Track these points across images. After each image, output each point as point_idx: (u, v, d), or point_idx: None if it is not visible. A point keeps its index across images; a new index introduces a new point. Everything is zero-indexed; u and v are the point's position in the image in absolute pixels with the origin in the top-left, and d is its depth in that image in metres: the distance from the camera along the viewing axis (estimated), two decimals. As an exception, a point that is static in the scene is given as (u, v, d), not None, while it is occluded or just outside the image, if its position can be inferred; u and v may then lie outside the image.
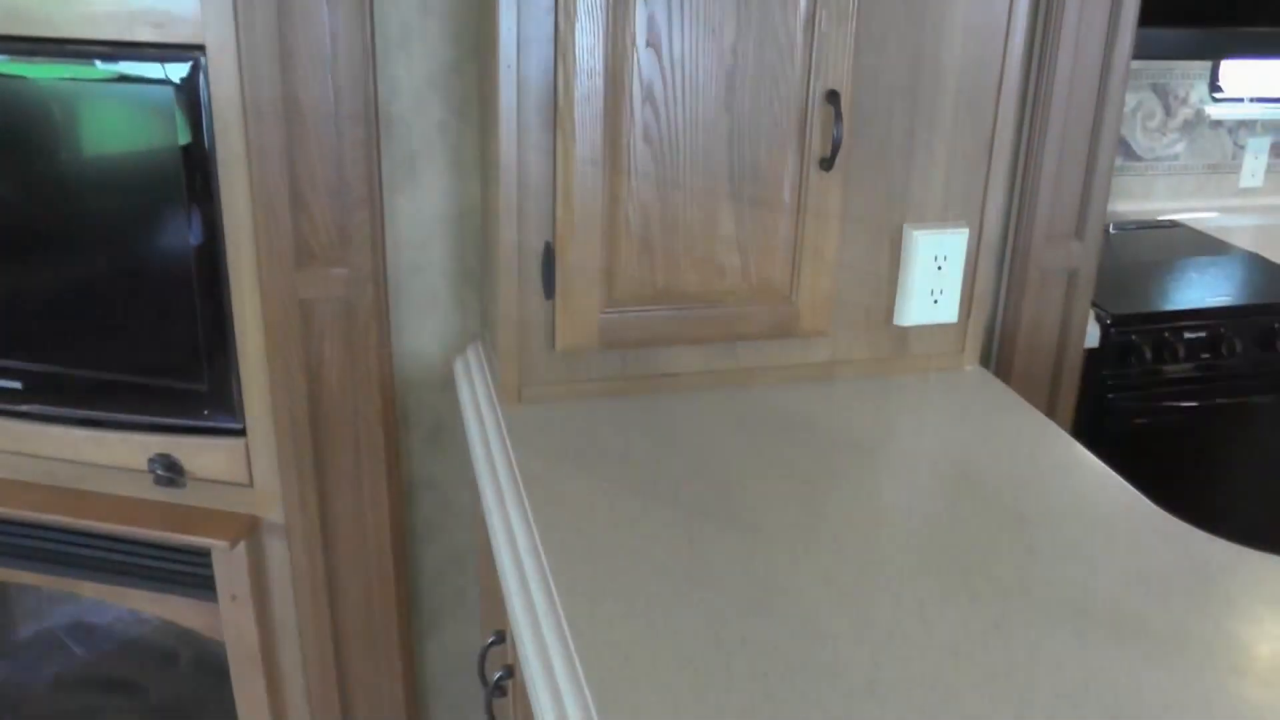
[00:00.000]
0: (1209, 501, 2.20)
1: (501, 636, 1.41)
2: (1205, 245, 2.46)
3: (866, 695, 0.95)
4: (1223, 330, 2.07)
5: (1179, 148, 2.63)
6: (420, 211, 1.65)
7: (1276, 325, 2.09)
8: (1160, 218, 2.63)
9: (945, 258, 1.54)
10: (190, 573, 1.80)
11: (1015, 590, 1.10)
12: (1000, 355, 1.82)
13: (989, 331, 1.81)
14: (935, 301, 1.56)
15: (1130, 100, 2.53)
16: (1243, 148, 2.67)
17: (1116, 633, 1.04)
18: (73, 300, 1.67)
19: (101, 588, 1.90)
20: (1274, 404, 2.15)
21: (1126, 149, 2.58)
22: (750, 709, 0.93)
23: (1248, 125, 2.65)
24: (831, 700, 0.94)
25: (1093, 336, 1.94)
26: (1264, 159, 2.69)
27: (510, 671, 1.33)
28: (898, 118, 1.48)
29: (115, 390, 1.72)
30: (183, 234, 1.58)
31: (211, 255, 1.59)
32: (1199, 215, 2.67)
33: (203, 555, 1.78)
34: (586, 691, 0.95)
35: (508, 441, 1.38)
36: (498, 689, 1.37)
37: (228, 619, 1.83)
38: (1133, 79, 2.52)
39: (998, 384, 1.58)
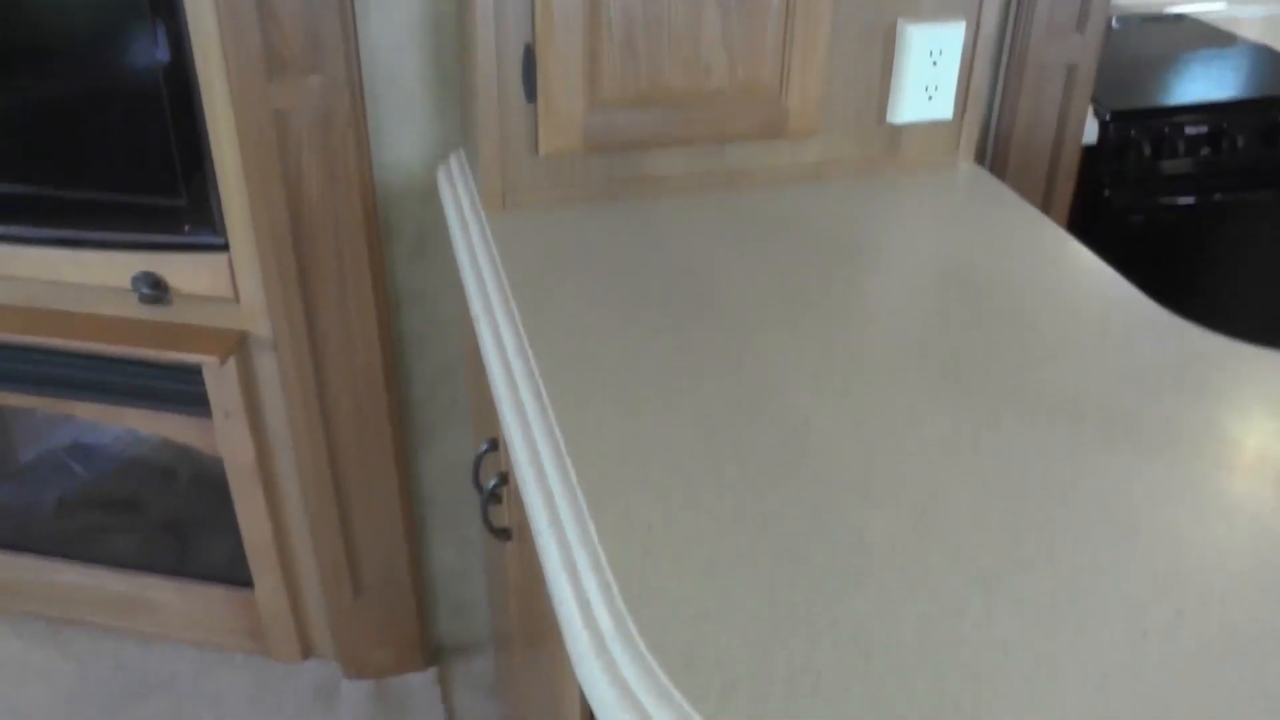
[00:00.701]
0: (1206, 298, 2.19)
1: (494, 444, 1.42)
2: (1212, 38, 2.38)
3: (859, 495, 0.95)
4: (1224, 125, 2.02)
5: (1188, -65, 2.52)
6: (395, 17, 1.58)
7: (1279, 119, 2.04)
8: (1166, 10, 2.54)
9: (940, 52, 1.49)
10: (182, 390, 1.81)
11: (1008, 388, 1.09)
12: (995, 153, 1.78)
13: (984, 128, 1.77)
14: (930, 98, 1.51)
15: (1138, -117, 2.42)
16: (1255, -67, 2.56)
17: (1108, 428, 1.03)
18: (42, 120, 1.62)
19: (95, 408, 1.91)
20: (1274, 200, 2.12)
21: (1132, -64, 2.47)
22: (741, 511, 0.93)
23: (1262, -92, 2.54)
24: (823, 501, 0.94)
25: (1091, 133, 1.89)
26: (1278, -55, 2.58)
27: (504, 479, 1.34)
28: (893, -100, 1.40)
29: (92, 209, 1.69)
30: (149, 49, 1.52)
31: (181, 69, 1.54)
32: (1207, 7, 2.58)
33: (194, 371, 1.77)
34: (579, 493, 0.95)
35: (493, 247, 1.35)
36: (493, 496, 1.38)
37: (222, 434, 1.84)
38: None
39: (993, 181, 1.55)
